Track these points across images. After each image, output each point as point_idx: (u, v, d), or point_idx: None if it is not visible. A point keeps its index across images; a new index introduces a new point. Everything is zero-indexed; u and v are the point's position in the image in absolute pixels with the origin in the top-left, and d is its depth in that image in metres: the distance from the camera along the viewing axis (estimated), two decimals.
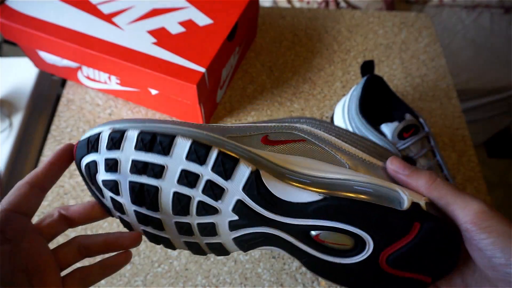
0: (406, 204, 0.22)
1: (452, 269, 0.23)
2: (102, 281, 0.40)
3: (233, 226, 0.24)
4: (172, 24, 0.47)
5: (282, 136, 0.26)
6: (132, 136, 0.23)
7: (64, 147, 0.26)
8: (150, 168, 0.23)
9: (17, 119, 0.59)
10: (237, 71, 0.58)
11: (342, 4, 1.01)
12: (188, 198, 0.24)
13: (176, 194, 0.24)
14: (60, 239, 0.29)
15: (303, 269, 0.42)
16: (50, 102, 0.71)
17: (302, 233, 0.24)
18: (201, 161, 0.22)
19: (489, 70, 1.04)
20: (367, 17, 0.66)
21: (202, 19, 0.47)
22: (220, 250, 0.27)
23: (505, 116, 1.12)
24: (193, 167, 0.23)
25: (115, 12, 0.47)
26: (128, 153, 0.23)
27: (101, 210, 0.27)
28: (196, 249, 0.27)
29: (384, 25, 0.65)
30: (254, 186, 0.22)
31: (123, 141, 0.23)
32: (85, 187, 0.46)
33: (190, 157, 0.22)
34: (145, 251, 0.42)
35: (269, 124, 0.27)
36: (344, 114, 0.47)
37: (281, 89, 0.56)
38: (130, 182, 0.24)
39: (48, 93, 0.70)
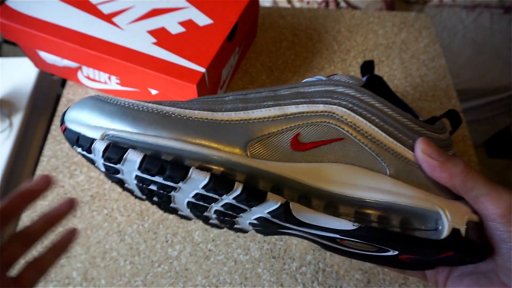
0: (445, 232, 0.20)
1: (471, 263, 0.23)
2: (102, 281, 0.40)
3: (255, 226, 0.23)
4: (172, 24, 0.47)
5: (317, 133, 0.21)
6: (133, 160, 0.19)
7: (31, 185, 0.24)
8: (161, 186, 0.20)
9: (17, 119, 0.59)
10: (237, 71, 0.58)
11: (342, 4, 1.01)
12: (206, 207, 0.22)
13: (192, 203, 0.22)
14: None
15: (303, 269, 0.42)
16: (50, 102, 0.71)
17: (327, 238, 0.23)
18: (222, 194, 0.19)
19: (489, 70, 1.04)
20: (367, 17, 0.66)
21: (202, 19, 0.47)
22: (238, 230, 0.26)
23: (505, 116, 1.12)
24: (213, 195, 0.20)
25: (115, 12, 0.47)
26: (131, 169, 0.20)
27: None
28: (213, 225, 0.26)
29: (384, 25, 0.65)
30: (281, 215, 0.20)
31: (122, 161, 0.19)
32: (86, 187, 0.46)
33: (209, 190, 0.19)
34: (145, 251, 0.42)
35: (301, 109, 0.21)
36: None
37: None
38: (138, 185, 0.21)
39: (48, 93, 0.70)
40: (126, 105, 0.20)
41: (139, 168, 0.19)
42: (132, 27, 0.46)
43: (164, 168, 0.19)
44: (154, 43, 0.45)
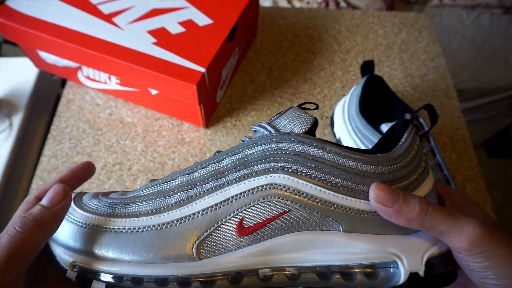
0: (403, 278, 0.22)
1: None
2: None
3: None
4: (172, 24, 0.47)
5: (261, 212, 0.21)
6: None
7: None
8: None
9: (17, 119, 0.59)
10: (237, 71, 0.58)
11: (342, 4, 1.01)
12: None
13: None
14: None
15: None
16: (50, 102, 0.71)
17: None
18: None
19: (489, 70, 1.04)
20: (367, 17, 0.66)
21: (202, 19, 0.47)
22: None
23: (505, 116, 1.12)
24: None
25: (115, 12, 0.47)
26: None
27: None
28: None
29: (384, 25, 0.65)
30: None
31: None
32: (86, 187, 0.46)
33: None
34: None
35: (242, 188, 0.21)
36: (344, 114, 0.47)
37: (281, 89, 0.56)
38: None
39: (48, 93, 0.70)
40: (84, 227, 0.22)
41: None
42: (132, 27, 0.46)
43: None
44: (154, 43, 0.45)
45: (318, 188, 0.21)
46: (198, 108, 0.47)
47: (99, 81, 0.52)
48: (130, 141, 0.50)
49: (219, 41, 0.45)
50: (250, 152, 0.22)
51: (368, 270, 0.22)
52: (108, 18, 0.47)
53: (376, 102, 0.46)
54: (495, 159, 1.28)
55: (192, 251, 0.21)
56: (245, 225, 0.21)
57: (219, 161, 0.23)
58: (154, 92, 0.48)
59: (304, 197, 0.21)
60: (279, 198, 0.21)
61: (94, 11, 0.47)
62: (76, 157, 0.49)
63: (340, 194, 0.21)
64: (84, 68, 0.51)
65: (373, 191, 0.21)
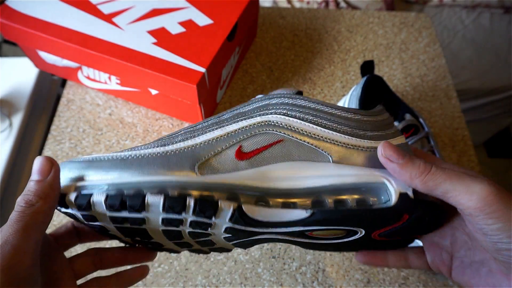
0: (394, 199, 0.22)
1: (438, 227, 0.25)
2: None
3: (229, 239, 0.25)
4: (172, 24, 0.47)
5: (257, 141, 0.24)
6: (99, 201, 0.21)
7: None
8: (131, 220, 0.22)
9: (17, 119, 0.59)
10: (237, 71, 0.58)
11: (342, 4, 1.01)
12: (179, 232, 0.24)
13: (165, 230, 0.24)
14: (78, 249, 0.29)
15: (303, 269, 0.42)
16: (50, 102, 0.71)
17: (297, 234, 0.24)
18: (180, 212, 0.21)
19: (489, 70, 1.04)
20: (367, 17, 0.66)
21: (202, 19, 0.47)
22: (222, 250, 0.28)
23: (505, 116, 1.12)
24: (174, 216, 0.22)
25: (115, 12, 0.47)
26: (102, 212, 0.22)
27: None
28: (198, 251, 0.28)
29: (384, 25, 0.65)
30: (239, 219, 0.22)
31: (92, 207, 0.21)
32: None
33: (167, 210, 0.21)
34: None
35: (240, 125, 0.24)
36: None
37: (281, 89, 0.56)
38: (116, 226, 0.23)
39: (48, 93, 0.70)
40: (91, 159, 0.23)
41: (106, 208, 0.21)
42: (132, 27, 0.46)
43: (124, 200, 0.21)
44: (154, 43, 0.45)
45: (307, 124, 0.24)
46: (198, 108, 0.47)
47: (99, 81, 0.52)
48: (131, 141, 0.50)
49: (219, 41, 0.45)
50: (247, 108, 0.26)
51: (357, 196, 0.23)
52: (108, 18, 0.47)
53: (376, 102, 0.46)
54: (495, 159, 1.28)
55: (194, 169, 0.22)
56: (243, 151, 0.24)
57: (220, 116, 0.25)
58: (154, 92, 0.48)
59: (295, 130, 0.24)
60: (273, 129, 0.24)
61: (94, 11, 0.47)
62: (76, 156, 0.49)
63: (326, 129, 0.24)
64: (84, 68, 0.51)
65: (380, 147, 0.22)
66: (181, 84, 0.42)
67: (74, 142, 0.50)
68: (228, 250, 0.28)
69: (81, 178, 0.22)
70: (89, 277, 0.26)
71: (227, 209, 0.21)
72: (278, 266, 0.42)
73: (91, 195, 0.21)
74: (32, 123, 0.65)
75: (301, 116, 0.24)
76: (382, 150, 0.22)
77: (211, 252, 0.29)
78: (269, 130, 0.24)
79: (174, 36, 0.45)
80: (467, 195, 0.19)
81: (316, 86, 0.57)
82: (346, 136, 0.24)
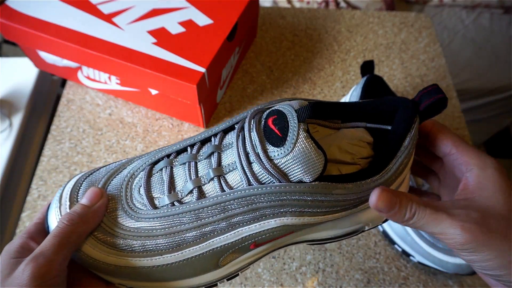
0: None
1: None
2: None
3: None
4: (172, 24, 0.47)
5: (271, 236, 0.24)
6: None
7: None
8: None
9: (17, 119, 0.59)
10: (237, 71, 0.58)
11: (342, 4, 1.01)
12: None
13: None
14: None
15: (303, 269, 0.42)
16: (50, 102, 0.71)
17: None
18: None
19: (489, 70, 1.04)
20: (367, 17, 0.66)
21: (202, 19, 0.47)
22: None
23: (505, 116, 1.12)
24: None
25: (115, 12, 0.47)
26: None
27: None
28: None
29: (384, 25, 0.65)
30: None
31: None
32: None
33: None
34: None
35: (255, 230, 0.23)
36: None
37: (281, 89, 0.56)
38: None
39: (48, 93, 0.70)
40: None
41: None
42: (132, 27, 0.46)
43: None
44: (154, 43, 0.45)
45: (319, 218, 0.24)
46: (198, 108, 0.47)
47: (99, 81, 0.52)
48: (131, 141, 0.50)
49: (219, 41, 0.45)
50: (259, 200, 0.23)
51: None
52: (108, 18, 0.47)
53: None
54: (495, 159, 1.28)
55: (218, 264, 0.25)
56: (257, 243, 0.25)
57: (228, 210, 0.23)
58: (154, 92, 0.48)
59: (306, 224, 0.24)
60: (287, 227, 0.24)
61: (94, 11, 0.47)
62: (76, 157, 0.49)
63: (335, 213, 0.24)
64: (84, 68, 0.51)
65: (373, 197, 0.23)
66: (181, 84, 0.42)
67: (74, 142, 0.50)
68: None
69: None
70: None
71: None
72: (278, 266, 0.42)
73: None
74: (32, 123, 0.65)
75: (315, 210, 0.23)
76: (374, 204, 0.23)
77: None
78: (284, 228, 0.24)
79: (174, 36, 0.45)
80: (448, 240, 0.22)
81: (316, 86, 0.57)
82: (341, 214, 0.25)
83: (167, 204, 0.24)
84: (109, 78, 0.50)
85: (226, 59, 0.49)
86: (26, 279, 0.20)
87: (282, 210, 0.23)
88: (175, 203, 0.24)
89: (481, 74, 1.04)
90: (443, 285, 0.41)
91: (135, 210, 0.24)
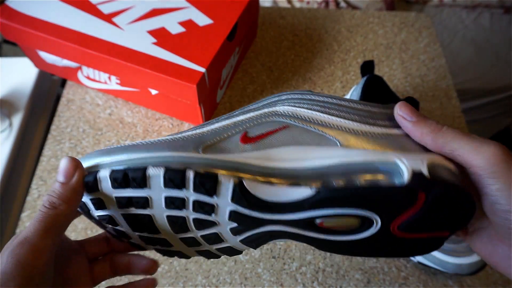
0: (406, 177, 0.20)
1: (469, 220, 0.22)
2: (103, 282, 0.40)
3: (235, 231, 0.24)
4: (172, 24, 0.47)
5: (263, 128, 0.24)
6: (104, 176, 0.22)
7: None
8: (135, 201, 0.23)
9: (17, 119, 0.59)
10: (237, 71, 0.58)
11: (342, 4, 1.01)
12: (183, 218, 0.24)
13: (169, 217, 0.24)
14: None
15: (303, 269, 0.42)
16: (50, 102, 0.71)
17: (305, 224, 0.23)
18: (180, 186, 0.21)
19: (489, 70, 1.04)
20: (367, 17, 0.66)
21: (202, 19, 0.47)
22: (231, 251, 0.27)
23: (505, 116, 1.12)
24: (175, 193, 0.22)
25: (115, 12, 0.47)
26: (108, 192, 0.22)
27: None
28: (208, 255, 0.28)
29: (384, 25, 0.65)
30: (241, 197, 0.21)
31: (98, 183, 0.22)
32: None
33: (168, 185, 0.22)
34: (145, 251, 0.42)
35: (248, 116, 0.25)
36: None
37: (281, 89, 0.56)
38: (123, 215, 0.24)
39: (48, 93, 0.70)
40: (105, 148, 0.24)
41: (111, 185, 0.22)
42: (132, 27, 0.46)
43: (127, 174, 0.22)
44: (154, 43, 0.45)
45: (314, 112, 0.24)
46: (198, 108, 0.47)
47: (99, 81, 0.52)
48: (131, 141, 0.50)
49: (219, 41, 0.45)
50: (256, 105, 0.26)
51: (368, 177, 0.21)
52: (108, 18, 0.47)
53: (376, 102, 0.46)
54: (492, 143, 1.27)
55: (198, 150, 0.23)
56: (248, 136, 0.24)
57: (232, 112, 0.26)
58: (154, 92, 0.48)
59: (302, 118, 0.24)
60: (279, 118, 0.24)
61: (94, 11, 0.47)
62: (76, 157, 0.49)
63: (333, 117, 0.23)
64: (84, 68, 0.51)
65: (397, 106, 0.23)
66: (181, 84, 0.42)
67: (74, 142, 0.50)
68: (239, 252, 0.27)
69: (95, 166, 0.23)
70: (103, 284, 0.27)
71: (227, 182, 0.21)
72: (278, 266, 0.42)
73: (98, 171, 0.22)
74: (32, 123, 0.65)
75: (309, 106, 0.24)
76: (398, 109, 0.23)
77: (222, 257, 0.28)
78: (276, 118, 0.24)
79: (174, 36, 0.45)
80: (473, 154, 0.20)
81: (316, 86, 0.57)
82: (356, 123, 0.23)
83: None
84: (109, 78, 0.50)
85: (226, 59, 0.49)
86: (10, 268, 0.18)
87: (275, 104, 0.25)
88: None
89: (481, 74, 1.04)
90: (443, 285, 0.41)
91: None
